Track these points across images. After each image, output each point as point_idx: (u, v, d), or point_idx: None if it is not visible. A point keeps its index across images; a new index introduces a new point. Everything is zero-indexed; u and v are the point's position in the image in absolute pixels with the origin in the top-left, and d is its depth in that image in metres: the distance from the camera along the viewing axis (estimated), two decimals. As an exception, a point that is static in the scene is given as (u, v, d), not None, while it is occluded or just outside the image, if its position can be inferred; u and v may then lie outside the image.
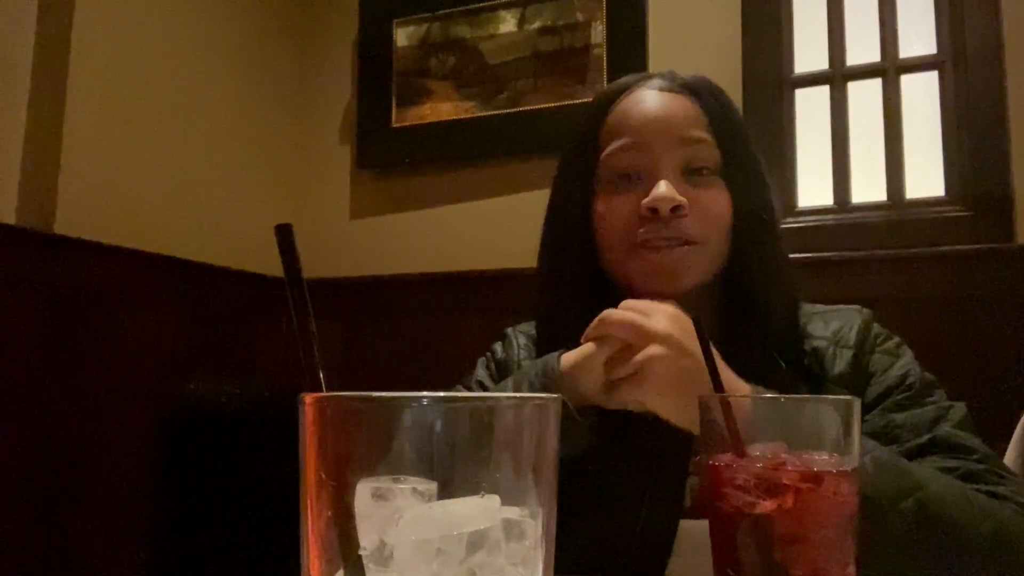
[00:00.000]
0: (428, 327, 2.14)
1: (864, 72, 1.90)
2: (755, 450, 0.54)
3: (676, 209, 0.83)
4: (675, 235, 0.84)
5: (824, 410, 0.54)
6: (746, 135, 0.93)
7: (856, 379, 0.87)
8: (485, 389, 1.03)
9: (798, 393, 0.83)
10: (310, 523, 0.31)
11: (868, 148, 1.87)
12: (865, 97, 1.89)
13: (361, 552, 0.30)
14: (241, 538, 1.92)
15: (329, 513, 0.31)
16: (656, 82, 0.92)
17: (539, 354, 0.95)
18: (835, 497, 0.51)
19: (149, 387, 1.82)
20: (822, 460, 0.52)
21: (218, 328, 2.06)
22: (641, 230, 0.85)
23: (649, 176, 0.86)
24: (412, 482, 0.32)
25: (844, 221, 1.85)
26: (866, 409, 0.83)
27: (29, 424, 1.57)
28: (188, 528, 1.86)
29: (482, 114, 2.18)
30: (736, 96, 1.90)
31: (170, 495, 1.84)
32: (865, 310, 0.94)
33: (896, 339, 0.91)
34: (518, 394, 0.33)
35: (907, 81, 1.87)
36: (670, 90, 0.91)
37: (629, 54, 2.02)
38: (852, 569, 0.51)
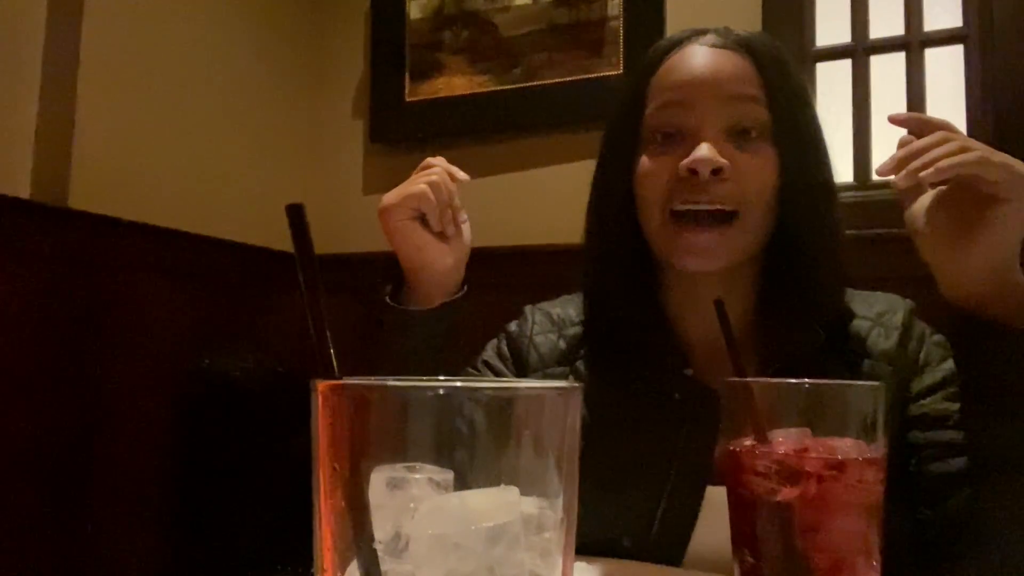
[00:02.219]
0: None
1: (887, 45, 1.86)
2: (777, 436, 0.53)
3: (717, 172, 0.79)
4: (713, 204, 0.79)
5: (850, 395, 0.52)
6: (805, 97, 0.87)
7: (902, 361, 0.84)
8: (491, 369, 1.02)
9: (835, 370, 0.82)
10: (322, 513, 0.30)
11: (890, 124, 1.83)
12: (888, 71, 1.85)
13: (376, 546, 0.29)
14: (256, 512, 1.93)
15: (342, 503, 0.30)
16: (709, 38, 0.87)
17: (590, 332, 0.95)
18: (860, 485, 0.50)
19: (164, 362, 1.83)
20: (846, 447, 0.51)
21: (232, 303, 2.06)
22: (678, 200, 0.81)
23: (692, 136, 0.81)
24: (428, 471, 0.31)
25: (864, 198, 1.82)
26: (919, 396, 0.82)
27: (43, 398, 1.58)
28: (202, 502, 1.87)
29: (496, 88, 2.15)
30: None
31: (184, 469, 1.86)
32: (907, 300, 0.91)
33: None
34: (538, 382, 0.32)
35: (931, 55, 1.82)
36: (723, 46, 0.85)
37: (646, 27, 1.98)
38: (877, 559, 0.50)
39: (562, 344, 0.97)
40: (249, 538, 1.88)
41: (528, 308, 1.05)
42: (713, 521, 0.80)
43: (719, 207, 0.80)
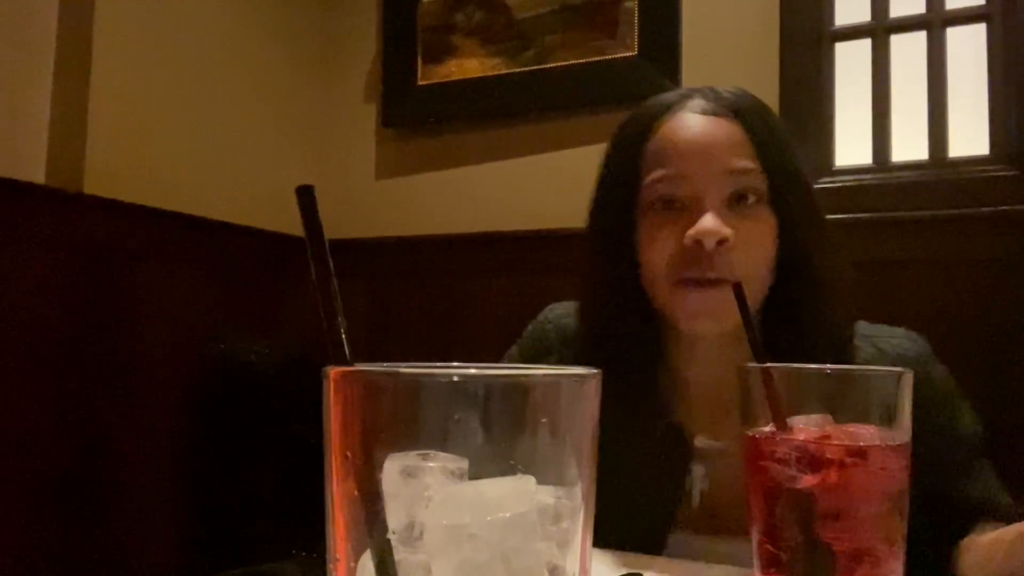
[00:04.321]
0: (454, 288, 2.13)
1: (908, 24, 1.82)
2: (798, 423, 0.52)
3: (722, 242, 0.81)
4: (720, 274, 0.81)
5: (872, 381, 0.51)
6: (792, 155, 0.89)
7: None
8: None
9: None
10: (335, 502, 0.30)
11: (910, 104, 1.80)
12: (908, 51, 1.81)
13: (389, 535, 0.28)
14: (270, 497, 1.94)
15: (355, 492, 0.29)
16: (698, 103, 0.88)
17: (586, 358, 0.95)
18: (882, 472, 0.49)
19: (178, 347, 1.84)
20: (869, 433, 0.50)
21: (245, 288, 2.07)
22: (684, 269, 0.83)
23: (694, 206, 0.83)
24: (442, 459, 0.30)
25: (883, 181, 1.79)
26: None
27: (57, 383, 1.59)
28: (216, 487, 1.89)
29: (509, 71, 2.13)
30: (773, 50, 1.85)
31: (198, 453, 1.87)
32: (919, 338, 0.91)
33: (954, 384, 0.89)
34: (555, 369, 0.31)
35: (953, 34, 1.79)
36: (713, 112, 0.87)
37: (661, 8, 1.95)
38: (900, 547, 0.49)
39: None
40: (263, 523, 1.90)
41: (549, 326, 1.05)
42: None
43: (725, 278, 0.81)
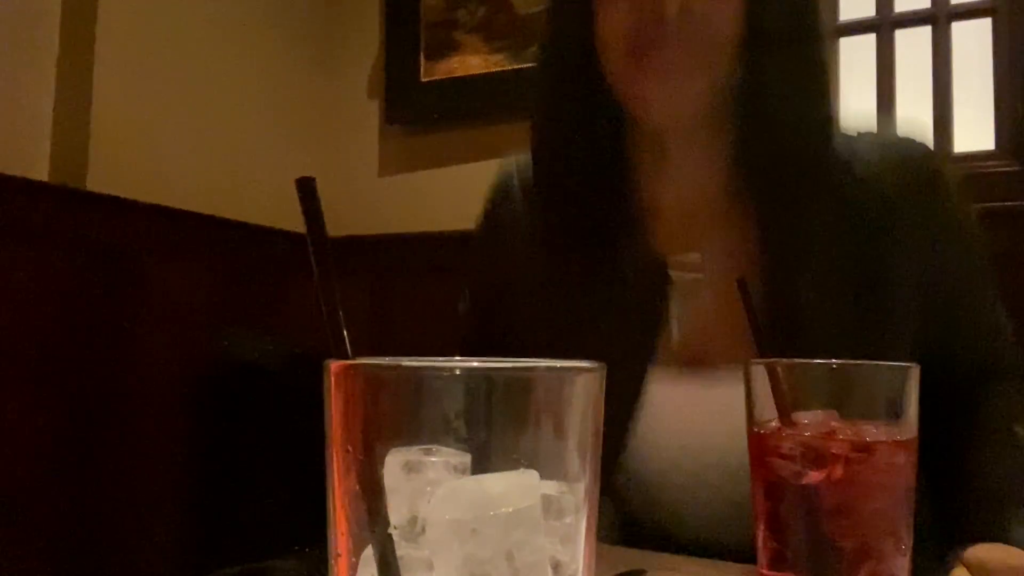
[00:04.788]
0: (456, 285, 2.12)
1: (913, 19, 1.81)
2: (803, 418, 0.51)
3: (686, 13, 0.72)
4: (681, 47, 0.72)
5: (879, 376, 0.51)
6: None
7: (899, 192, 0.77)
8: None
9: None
10: (337, 498, 0.29)
11: (915, 99, 1.80)
12: (913, 45, 1.81)
13: (391, 531, 0.28)
14: (273, 493, 1.94)
15: (356, 487, 0.29)
16: None
17: (546, 199, 0.89)
18: (889, 468, 0.48)
19: (181, 343, 1.83)
20: (875, 429, 0.49)
21: (249, 285, 2.07)
22: (644, 41, 0.74)
23: None
24: (445, 454, 0.30)
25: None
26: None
27: (60, 379, 1.59)
28: (219, 483, 1.89)
29: (512, 67, 2.12)
30: (777, 46, 1.84)
31: (201, 450, 1.87)
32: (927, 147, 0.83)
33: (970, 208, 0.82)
34: (559, 362, 0.31)
35: (958, 28, 1.78)
36: None
37: (665, 3, 1.94)
38: (907, 544, 0.48)
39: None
40: (265, 519, 1.90)
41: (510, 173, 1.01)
42: (654, 412, 0.78)
43: (686, 53, 0.74)
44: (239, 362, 1.96)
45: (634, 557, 0.73)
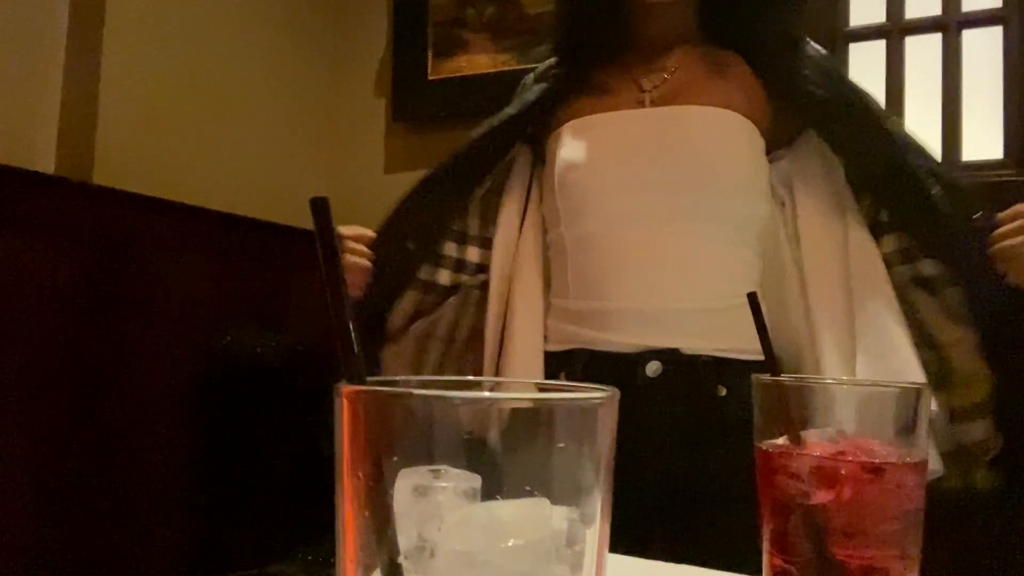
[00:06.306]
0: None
1: (923, 26, 1.81)
2: (811, 436, 0.51)
3: None
4: None
5: (888, 397, 0.50)
6: None
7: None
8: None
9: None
10: (346, 523, 0.29)
11: (924, 107, 1.79)
12: (923, 53, 1.80)
13: (400, 561, 0.28)
14: (275, 493, 1.94)
15: (366, 513, 0.29)
16: None
17: (567, 73, 1.19)
18: (898, 490, 0.48)
19: (185, 338, 1.83)
20: (885, 450, 0.49)
21: (253, 280, 2.06)
22: None
23: None
24: (455, 479, 0.30)
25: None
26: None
27: (66, 373, 1.59)
28: (222, 481, 1.89)
29: (520, 67, 2.12)
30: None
31: (204, 446, 1.87)
32: None
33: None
34: (571, 392, 0.30)
35: (969, 36, 1.77)
36: None
37: (674, 5, 1.93)
38: (915, 565, 0.48)
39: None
40: (268, 520, 1.90)
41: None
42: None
43: None
44: (243, 358, 1.96)
45: (643, 569, 0.73)
